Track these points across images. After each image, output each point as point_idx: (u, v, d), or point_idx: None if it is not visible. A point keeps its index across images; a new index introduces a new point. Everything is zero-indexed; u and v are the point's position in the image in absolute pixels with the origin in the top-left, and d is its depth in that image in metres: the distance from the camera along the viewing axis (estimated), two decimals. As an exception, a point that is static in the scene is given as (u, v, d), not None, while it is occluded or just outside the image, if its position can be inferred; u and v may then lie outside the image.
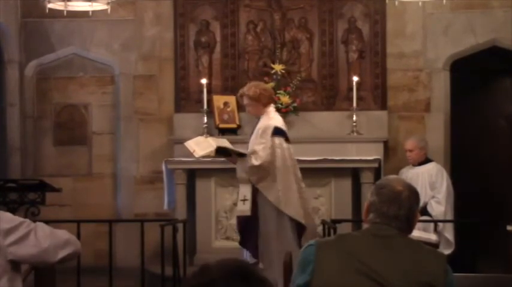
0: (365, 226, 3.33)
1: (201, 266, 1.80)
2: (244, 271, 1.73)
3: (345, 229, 6.65)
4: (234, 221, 7.64)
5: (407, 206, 3.20)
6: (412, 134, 8.98)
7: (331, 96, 9.24)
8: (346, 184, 8.49)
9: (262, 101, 6.86)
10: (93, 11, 8.28)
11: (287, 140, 6.94)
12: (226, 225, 8.59)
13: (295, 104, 8.95)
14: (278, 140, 6.82)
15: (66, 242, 3.56)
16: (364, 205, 3.31)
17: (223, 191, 8.62)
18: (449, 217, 8.21)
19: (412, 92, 9.22)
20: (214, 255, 7.12)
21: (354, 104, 8.80)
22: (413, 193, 3.25)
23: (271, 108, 6.95)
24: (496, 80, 9.82)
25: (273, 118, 6.93)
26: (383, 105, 9.17)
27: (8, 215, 3.56)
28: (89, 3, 7.94)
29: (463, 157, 9.27)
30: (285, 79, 9.11)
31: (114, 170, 9.62)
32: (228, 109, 8.96)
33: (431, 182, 8.25)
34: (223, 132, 8.86)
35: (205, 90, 8.88)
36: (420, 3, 8.33)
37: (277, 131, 6.82)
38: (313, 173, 8.46)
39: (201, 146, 8.38)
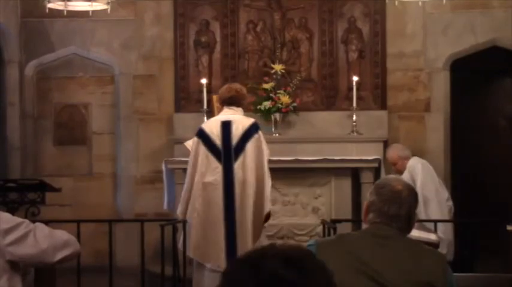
0: (365, 226, 3.33)
1: (270, 243, 1.85)
2: (289, 256, 1.76)
3: (344, 228, 6.63)
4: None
5: (407, 206, 3.21)
6: (412, 133, 8.98)
7: (331, 96, 9.25)
8: (346, 183, 8.49)
9: (219, 103, 6.94)
10: (93, 11, 8.27)
11: (202, 138, 6.69)
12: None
13: (295, 104, 8.95)
14: (194, 141, 6.79)
15: (65, 243, 3.56)
16: (364, 204, 3.31)
17: (223, 191, 8.62)
18: (435, 207, 7.77)
19: (412, 91, 9.22)
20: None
21: (354, 104, 8.79)
22: (413, 193, 3.26)
23: (222, 111, 6.84)
24: (496, 80, 9.82)
25: (208, 120, 7.02)
26: (383, 105, 9.17)
27: (8, 215, 3.56)
28: (89, 3, 7.93)
29: (463, 156, 9.27)
30: (285, 79, 9.12)
31: (114, 170, 9.62)
32: (228, 109, 8.95)
33: (412, 180, 7.90)
34: (223, 132, 8.85)
35: (205, 90, 8.88)
36: (420, 3, 8.33)
37: (197, 132, 6.80)
38: (313, 172, 8.48)
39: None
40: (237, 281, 1.74)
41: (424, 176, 7.90)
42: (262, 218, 6.64)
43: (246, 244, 6.54)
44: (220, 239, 6.56)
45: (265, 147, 6.67)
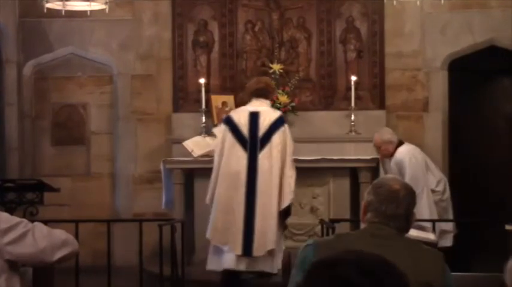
0: (363, 225, 3.33)
1: (354, 249, 1.86)
2: (365, 263, 1.76)
3: (343, 228, 6.64)
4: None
5: (405, 205, 3.20)
6: (410, 133, 8.97)
7: (329, 96, 9.24)
8: (345, 183, 8.49)
9: (247, 95, 7.26)
10: (91, 11, 8.29)
11: (234, 130, 6.96)
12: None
13: (293, 104, 8.95)
14: (220, 129, 7.19)
15: (64, 243, 3.56)
16: (362, 204, 3.30)
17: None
18: (424, 205, 7.60)
19: (410, 91, 9.22)
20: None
21: (352, 104, 8.80)
22: (410, 192, 3.26)
23: (250, 102, 7.10)
24: (495, 80, 9.82)
25: (236, 109, 7.46)
26: (381, 104, 9.17)
27: (6, 215, 3.56)
28: (87, 3, 7.94)
29: (461, 156, 9.27)
30: (283, 79, 9.11)
31: (113, 170, 9.61)
32: (226, 109, 8.95)
33: (400, 174, 7.72)
34: (221, 132, 8.85)
35: (203, 89, 8.88)
36: (418, 3, 8.33)
37: (224, 119, 7.19)
38: (311, 172, 8.47)
39: (199, 146, 8.41)
40: (312, 283, 1.77)
41: (411, 171, 7.74)
42: (283, 209, 6.88)
43: (267, 231, 6.77)
44: (239, 223, 6.81)
45: (290, 141, 6.95)
